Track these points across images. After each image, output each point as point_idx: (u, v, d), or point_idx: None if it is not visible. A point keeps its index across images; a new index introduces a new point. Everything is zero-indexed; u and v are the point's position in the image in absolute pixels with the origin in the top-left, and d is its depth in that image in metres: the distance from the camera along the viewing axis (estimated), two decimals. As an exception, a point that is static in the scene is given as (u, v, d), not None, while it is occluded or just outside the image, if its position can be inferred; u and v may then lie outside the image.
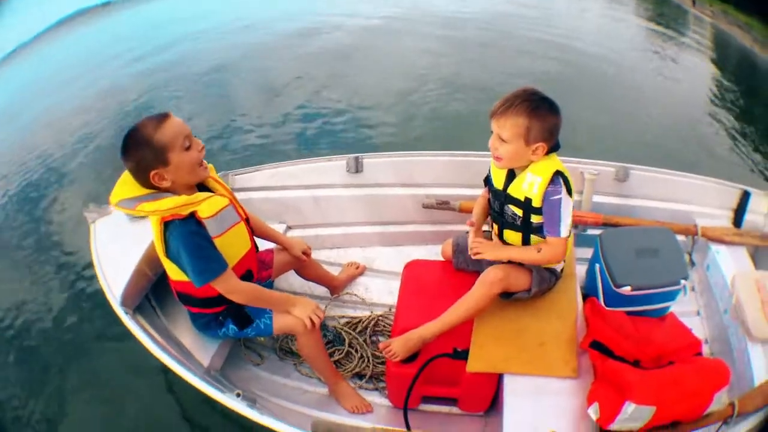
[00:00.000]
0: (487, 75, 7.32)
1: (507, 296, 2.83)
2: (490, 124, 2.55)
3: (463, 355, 2.70)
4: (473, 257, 2.78)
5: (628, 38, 10.06)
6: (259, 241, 2.99)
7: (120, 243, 2.95)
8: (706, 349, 3.43)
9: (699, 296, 3.69)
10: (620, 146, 5.86)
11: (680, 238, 3.68)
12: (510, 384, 2.62)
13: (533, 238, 2.71)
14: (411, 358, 2.73)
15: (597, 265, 3.25)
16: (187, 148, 2.35)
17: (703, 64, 9.26)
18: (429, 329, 2.68)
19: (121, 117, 6.44)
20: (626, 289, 3.03)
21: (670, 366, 2.57)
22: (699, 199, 3.77)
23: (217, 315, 2.75)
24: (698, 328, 3.52)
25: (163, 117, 2.32)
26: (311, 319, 2.68)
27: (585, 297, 3.05)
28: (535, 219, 2.64)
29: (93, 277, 2.95)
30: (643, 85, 7.76)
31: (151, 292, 3.02)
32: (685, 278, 3.08)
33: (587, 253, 3.45)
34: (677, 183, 3.76)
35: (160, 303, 3.04)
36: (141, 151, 2.28)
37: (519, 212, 2.66)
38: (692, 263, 3.82)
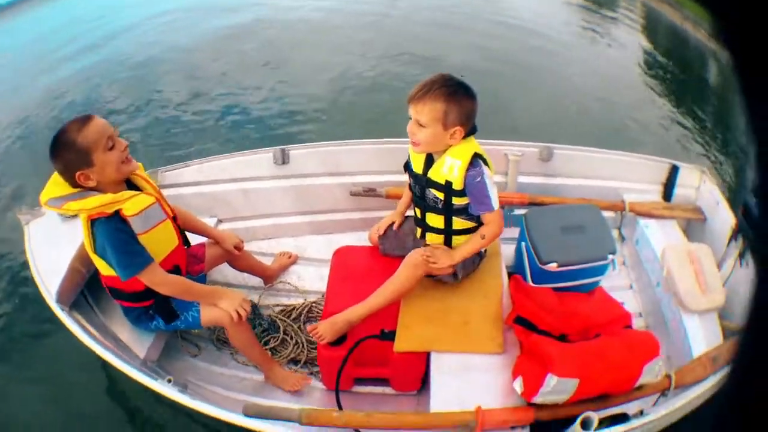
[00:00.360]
0: (412, 61, 7.37)
1: (433, 276, 2.88)
2: (407, 109, 2.59)
3: (390, 336, 2.75)
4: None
5: (555, 16, 10.16)
6: (191, 235, 3.05)
7: (54, 242, 2.95)
8: (640, 323, 3.52)
9: (630, 270, 3.78)
10: (551, 127, 5.94)
11: (609, 214, 3.77)
12: (436, 362, 2.68)
13: (455, 220, 2.77)
14: (339, 341, 2.77)
15: (523, 244, 3.31)
16: (111, 149, 2.41)
17: (634, 42, 9.44)
18: (355, 312, 2.72)
19: (51, 117, 6.29)
20: (552, 266, 3.09)
21: (595, 339, 2.63)
22: (627, 175, 3.85)
23: (147, 309, 2.80)
24: (631, 301, 3.61)
25: (86, 119, 2.39)
26: (238, 312, 2.73)
27: (512, 276, 3.10)
28: (456, 201, 2.70)
29: (29, 278, 2.93)
30: (572, 65, 7.89)
31: (87, 288, 3.02)
32: (613, 253, 3.14)
33: (515, 233, 3.50)
34: (603, 160, 3.83)
35: (97, 299, 3.04)
36: (66, 153, 2.35)
37: (440, 195, 2.71)
38: (622, 238, 3.92)
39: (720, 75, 8.04)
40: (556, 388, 2.36)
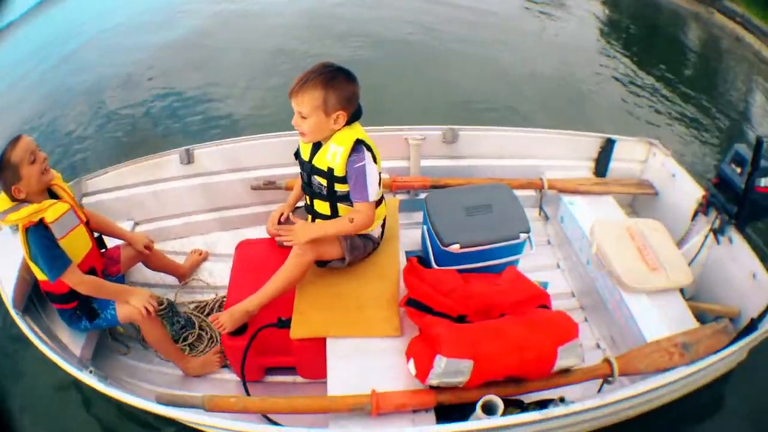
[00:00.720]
0: (326, 49, 7.51)
1: (323, 264, 2.96)
2: (290, 103, 2.65)
3: (287, 324, 2.82)
4: (286, 245, 2.87)
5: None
6: (108, 238, 3.26)
7: (7, 253, 3.06)
8: (572, 303, 3.54)
9: (557, 249, 3.81)
10: (489, 109, 6.09)
11: (528, 193, 3.79)
12: (332, 347, 2.75)
13: (340, 206, 2.83)
14: (240, 331, 2.86)
15: (425, 227, 3.33)
16: (32, 162, 2.68)
17: (594, 12, 9.62)
18: (252, 302, 2.81)
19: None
20: (455, 248, 3.08)
21: (495, 319, 2.67)
22: (549, 152, 3.87)
23: (75, 309, 2.98)
24: (560, 281, 3.64)
25: (16, 139, 2.67)
26: (146, 308, 2.90)
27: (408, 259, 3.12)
28: (339, 188, 2.76)
29: None
30: (523, 39, 8.08)
31: (34, 294, 3.10)
32: (526, 231, 3.13)
33: (420, 217, 3.51)
34: (520, 139, 3.86)
35: (42, 305, 3.13)
36: (3, 171, 2.64)
37: (324, 182, 2.78)
38: (546, 217, 3.94)
39: (700, 40, 8.19)
40: (447, 370, 2.39)
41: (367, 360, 2.68)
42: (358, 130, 2.74)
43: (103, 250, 3.23)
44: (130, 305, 2.92)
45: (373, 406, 2.43)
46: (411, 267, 2.90)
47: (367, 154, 2.69)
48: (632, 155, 3.83)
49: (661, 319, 2.99)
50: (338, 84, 2.58)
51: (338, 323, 2.80)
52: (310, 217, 3.03)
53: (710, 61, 8.80)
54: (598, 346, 3.32)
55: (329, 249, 2.89)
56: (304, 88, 2.57)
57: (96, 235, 3.11)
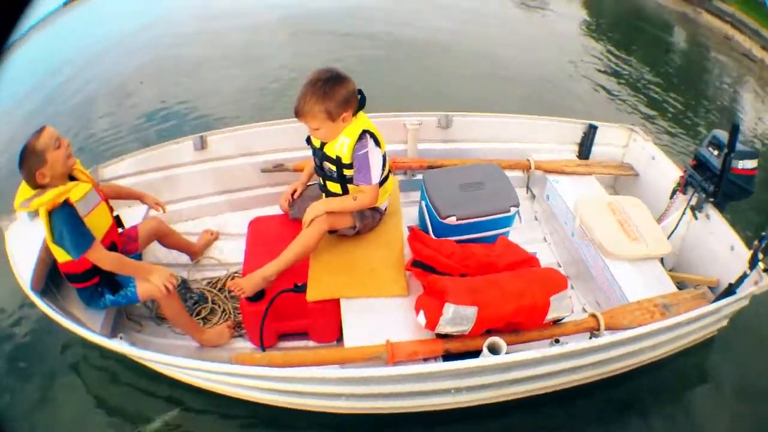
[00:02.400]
0: (324, 54, 7.73)
1: (334, 231, 3.22)
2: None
3: (303, 289, 3.05)
4: (309, 216, 3.11)
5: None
6: (125, 218, 3.43)
7: (25, 239, 3.21)
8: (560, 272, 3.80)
9: (544, 224, 4.08)
10: (492, 96, 6.43)
11: (517, 174, 4.05)
12: (346, 305, 3.00)
13: (350, 187, 3.11)
14: (258, 297, 3.08)
15: (423, 203, 3.61)
16: (57, 147, 2.81)
17: (577, 11, 10.01)
18: (269, 268, 3.02)
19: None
20: (452, 220, 3.37)
21: (495, 274, 2.93)
22: (536, 137, 4.15)
23: (96, 286, 3.12)
24: (547, 253, 3.90)
25: (41, 129, 2.81)
26: (166, 286, 3.05)
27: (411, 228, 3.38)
28: (347, 172, 3.05)
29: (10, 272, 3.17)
30: (512, 35, 8.43)
31: (50, 278, 3.25)
32: (515, 205, 3.41)
33: (417, 196, 3.78)
34: (509, 125, 4.14)
35: (58, 287, 3.28)
36: (29, 158, 2.76)
37: (333, 168, 3.07)
38: (532, 196, 4.22)
39: (686, 38, 8.54)
40: (455, 316, 2.65)
41: (379, 316, 2.94)
42: (363, 120, 3.03)
43: (121, 229, 3.36)
44: (151, 282, 3.05)
45: (389, 355, 2.67)
46: (415, 234, 3.18)
47: (370, 141, 2.98)
48: (614, 140, 4.11)
49: (643, 284, 3.25)
50: (333, 93, 2.85)
51: (351, 285, 3.05)
52: (323, 195, 3.28)
53: (696, 59, 9.19)
54: (584, 310, 3.55)
55: (342, 219, 3.17)
56: (305, 109, 2.87)
57: (115, 214, 3.26)
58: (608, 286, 3.34)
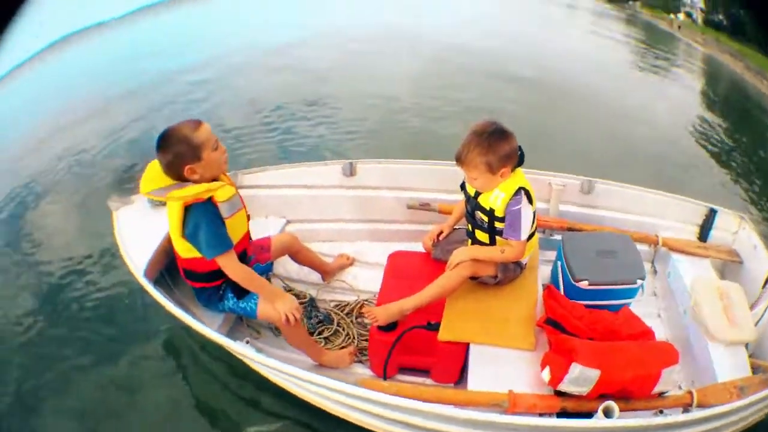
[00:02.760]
0: (471, 94, 7.90)
1: (476, 278, 3.28)
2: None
3: (435, 327, 3.13)
4: (456, 260, 3.20)
5: (615, 62, 10.65)
6: (256, 229, 3.46)
7: (143, 226, 3.35)
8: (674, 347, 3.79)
9: (660, 300, 4.05)
10: (605, 164, 6.34)
11: (643, 248, 4.04)
12: (475, 351, 3.07)
13: (498, 239, 3.18)
14: (390, 328, 3.16)
15: (558, 263, 3.66)
16: (216, 149, 2.85)
17: (693, 88, 9.83)
18: (408, 302, 3.11)
19: (129, 127, 6.80)
20: (584, 283, 3.41)
21: (619, 341, 2.97)
22: (663, 213, 4.16)
23: (218, 288, 3.15)
24: (659, 328, 3.81)
25: (198, 122, 2.82)
26: (287, 317, 3.05)
27: (546, 286, 3.46)
28: (498, 225, 3.13)
29: (116, 256, 3.30)
30: (629, 108, 8.30)
31: (166, 271, 3.40)
32: (642, 278, 3.44)
33: (552, 255, 3.83)
34: (642, 198, 4.15)
35: (173, 281, 3.42)
36: (179, 147, 2.75)
37: (485, 218, 3.15)
38: (654, 271, 4.20)
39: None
40: (579, 377, 2.69)
41: (504, 366, 3.00)
42: (519, 177, 3.11)
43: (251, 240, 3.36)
44: (274, 308, 3.05)
45: (510, 404, 2.72)
46: (550, 293, 3.24)
47: (524, 199, 3.05)
48: (726, 226, 4.10)
49: (730, 367, 3.23)
50: (496, 147, 2.95)
51: (483, 332, 3.12)
52: (469, 241, 3.36)
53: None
54: (680, 387, 3.50)
55: (486, 267, 3.24)
56: (468, 158, 2.98)
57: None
58: (705, 366, 3.33)
